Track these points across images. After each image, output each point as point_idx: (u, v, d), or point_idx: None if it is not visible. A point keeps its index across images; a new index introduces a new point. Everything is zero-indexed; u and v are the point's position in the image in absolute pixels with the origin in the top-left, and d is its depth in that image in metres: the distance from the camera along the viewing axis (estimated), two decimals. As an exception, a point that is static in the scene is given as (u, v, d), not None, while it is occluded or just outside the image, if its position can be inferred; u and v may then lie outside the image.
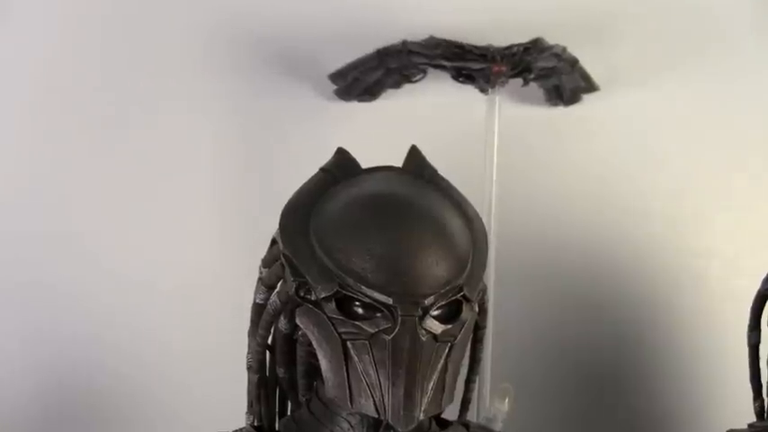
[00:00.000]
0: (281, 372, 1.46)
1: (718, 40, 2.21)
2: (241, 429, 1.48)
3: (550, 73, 2.08)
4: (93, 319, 2.12)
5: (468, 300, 1.38)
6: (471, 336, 1.45)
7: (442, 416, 1.46)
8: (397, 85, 2.14)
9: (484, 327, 1.50)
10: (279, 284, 1.41)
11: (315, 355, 1.36)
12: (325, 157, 1.49)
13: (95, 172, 2.14)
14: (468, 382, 1.54)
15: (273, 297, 1.41)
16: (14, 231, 2.12)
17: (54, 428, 2.12)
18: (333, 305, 1.34)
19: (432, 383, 1.33)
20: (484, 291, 1.46)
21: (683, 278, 2.18)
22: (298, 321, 1.37)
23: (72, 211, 2.13)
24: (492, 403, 1.94)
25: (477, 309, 1.43)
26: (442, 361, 1.34)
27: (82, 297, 2.12)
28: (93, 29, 2.15)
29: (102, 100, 2.14)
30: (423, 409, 1.31)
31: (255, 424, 1.49)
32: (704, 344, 2.16)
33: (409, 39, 2.05)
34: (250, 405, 1.50)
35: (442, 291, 1.34)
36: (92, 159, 2.14)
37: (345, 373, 1.33)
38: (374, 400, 1.31)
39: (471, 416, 1.61)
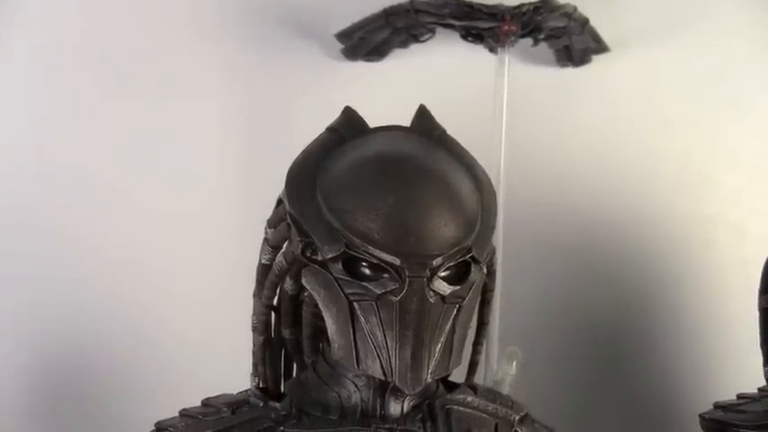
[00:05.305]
0: (286, 333, 1.46)
1: (730, 1, 2.19)
2: (246, 391, 1.47)
3: (560, 33, 2.07)
4: (105, 285, 2.14)
5: (476, 261, 1.36)
6: (479, 298, 1.44)
7: (450, 378, 1.45)
8: (404, 44, 2.14)
9: (492, 289, 1.49)
10: (284, 245, 1.40)
11: (321, 317, 1.35)
12: (333, 116, 1.46)
13: (102, 131, 2.14)
14: (476, 344, 1.53)
15: (279, 257, 1.40)
16: (24, 209, 2.13)
17: (65, 403, 2.14)
18: (339, 266, 1.32)
19: (439, 345, 1.31)
20: (492, 253, 1.44)
21: (690, 242, 2.18)
22: (304, 282, 1.36)
23: (77, 178, 2.14)
24: (500, 366, 1.95)
25: (485, 271, 1.42)
26: (449, 323, 1.33)
27: (94, 266, 2.14)
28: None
29: (110, 66, 2.14)
30: (430, 371, 1.30)
31: (260, 386, 1.49)
32: (711, 308, 2.17)
33: (417, -2, 2.03)
34: (255, 367, 1.49)
35: (451, 252, 1.32)
36: (98, 121, 2.14)
37: (352, 335, 1.31)
38: (381, 362, 1.30)
39: (478, 379, 1.61)
